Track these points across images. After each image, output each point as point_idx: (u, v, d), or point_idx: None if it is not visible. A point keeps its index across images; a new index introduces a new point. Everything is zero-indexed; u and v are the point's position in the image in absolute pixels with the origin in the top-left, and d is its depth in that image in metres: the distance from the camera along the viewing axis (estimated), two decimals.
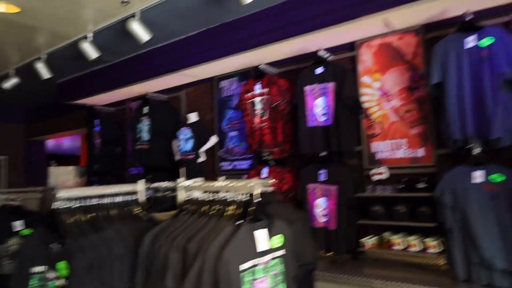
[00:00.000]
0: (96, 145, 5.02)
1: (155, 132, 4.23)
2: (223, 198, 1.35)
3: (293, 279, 1.43)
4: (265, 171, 3.33)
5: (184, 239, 1.21)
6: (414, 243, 2.55)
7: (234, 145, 3.93)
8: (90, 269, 1.20)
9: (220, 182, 1.38)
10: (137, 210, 1.54)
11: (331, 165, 2.97)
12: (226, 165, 3.99)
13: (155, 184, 1.93)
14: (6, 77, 4.56)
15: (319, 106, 3.00)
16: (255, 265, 1.23)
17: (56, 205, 1.33)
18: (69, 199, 1.37)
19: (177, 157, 4.10)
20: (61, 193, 1.35)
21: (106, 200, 1.48)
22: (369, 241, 2.79)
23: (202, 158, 3.96)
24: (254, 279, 1.23)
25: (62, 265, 1.24)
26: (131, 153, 4.66)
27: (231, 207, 1.31)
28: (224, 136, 4.02)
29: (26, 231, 2.86)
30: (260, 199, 1.30)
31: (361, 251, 2.83)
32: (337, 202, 2.87)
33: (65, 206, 1.35)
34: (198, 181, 1.47)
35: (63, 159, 9.70)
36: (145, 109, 4.37)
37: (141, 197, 1.63)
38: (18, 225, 2.80)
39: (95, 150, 5.02)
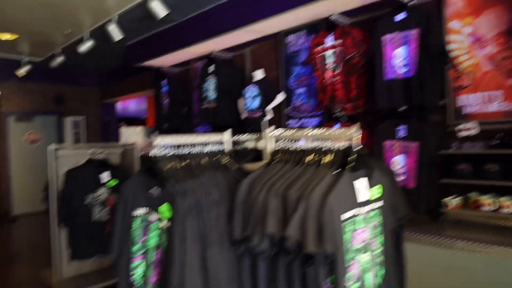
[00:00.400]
0: (164, 106, 5.20)
1: (221, 90, 4.25)
2: (318, 147, 1.29)
3: (391, 232, 1.36)
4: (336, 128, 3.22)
5: (283, 186, 1.19)
6: (508, 204, 2.34)
7: (302, 102, 3.83)
8: (190, 213, 1.23)
9: (315, 131, 1.31)
10: (225, 160, 1.54)
11: (411, 120, 2.77)
12: (293, 123, 3.92)
13: (236, 137, 1.92)
14: (81, 41, 4.80)
15: (399, 57, 2.76)
16: (355, 215, 1.19)
17: (154, 152, 1.37)
18: (164, 147, 1.40)
19: (244, 115, 4.11)
20: (158, 141, 1.38)
21: (196, 149, 1.50)
22: (452, 201, 2.61)
23: (269, 116, 3.92)
24: (355, 230, 1.18)
25: (164, 208, 1.28)
26: (198, 112, 4.77)
27: (328, 156, 1.25)
28: (291, 93, 3.92)
29: (112, 182, 3.08)
30: (361, 146, 1.22)
31: (441, 212, 2.67)
32: (417, 159, 2.70)
33: (161, 154, 1.38)
34: (289, 131, 1.42)
35: (130, 121, 10.32)
36: (211, 68, 4.39)
37: (228, 147, 1.63)
38: (105, 176, 3.02)
39: (163, 110, 5.21)
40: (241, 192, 1.26)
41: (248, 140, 1.93)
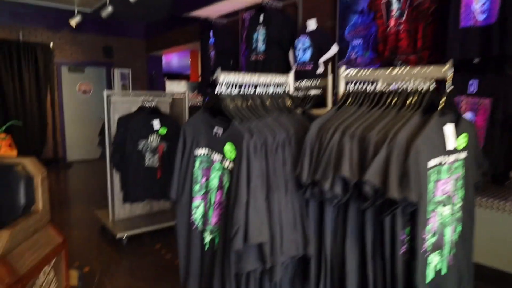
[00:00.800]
0: (211, 58, 5.11)
1: (271, 41, 4.07)
2: (400, 88, 1.15)
3: (472, 187, 1.23)
4: None
5: (359, 128, 1.08)
6: None
7: (357, 55, 3.58)
8: (256, 153, 1.17)
9: (396, 70, 1.17)
10: (289, 102, 1.45)
11: (486, 74, 2.49)
12: None
13: (297, 83, 1.81)
14: None
15: (479, 1, 2.44)
16: (441, 164, 1.06)
17: (218, 90, 1.30)
18: (227, 85, 1.32)
19: (294, 68, 3.93)
20: (221, 77, 1.30)
21: (259, 90, 1.41)
22: None
23: (320, 69, 3.73)
24: (438, 180, 1.07)
25: (228, 148, 1.23)
26: (245, 65, 4.64)
27: (413, 97, 1.11)
28: (346, 44, 3.67)
29: (162, 130, 3.11)
30: (452, 87, 1.07)
31: (509, 176, 2.46)
32: (489, 118, 2.45)
33: (225, 92, 1.31)
34: (365, 71, 1.29)
35: (173, 77, 10.41)
36: (261, 18, 4.19)
37: (291, 89, 1.53)
38: (156, 123, 3.04)
39: (210, 62, 5.13)
40: (310, 134, 1.17)
41: (310, 85, 1.81)
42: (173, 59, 10.54)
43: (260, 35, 4.18)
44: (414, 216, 1.03)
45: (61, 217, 4.01)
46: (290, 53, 3.97)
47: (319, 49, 3.69)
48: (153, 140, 3.08)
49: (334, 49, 3.69)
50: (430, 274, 1.11)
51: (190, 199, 1.40)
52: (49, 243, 1.83)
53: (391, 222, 1.03)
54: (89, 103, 7.47)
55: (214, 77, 5.03)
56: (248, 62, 4.40)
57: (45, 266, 1.75)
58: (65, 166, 6.98)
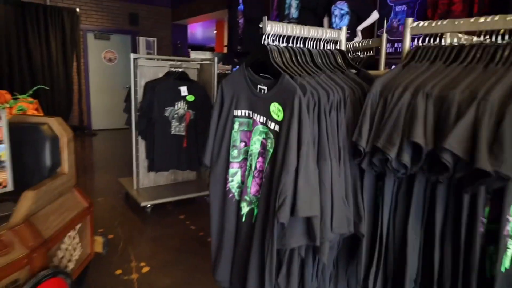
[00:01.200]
0: (239, 25, 4.90)
1: (305, 7, 3.82)
2: (483, 41, 0.96)
3: None
4: None
5: (437, 87, 0.90)
6: None
7: (400, 23, 3.30)
8: (309, 113, 1.01)
9: (483, 18, 0.97)
10: (341, 61, 1.27)
11: None
12: (387, 47, 3.44)
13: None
14: None
15: None
16: None
17: (264, 41, 1.14)
18: (275, 35, 1.15)
19: None
20: (269, 27, 1.13)
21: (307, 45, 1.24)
22: None
23: (358, 38, 3.47)
24: None
25: (275, 107, 1.07)
26: None
27: (503, 51, 0.92)
28: (388, 11, 3.39)
29: (190, 97, 2.98)
30: None
31: None
32: None
33: (274, 44, 1.14)
34: (436, 22, 1.09)
35: (197, 48, 10.24)
36: None
37: (343, 46, 1.35)
38: (183, 90, 2.91)
39: (239, 30, 4.92)
40: (372, 94, 1.00)
41: (359, 46, 1.62)
42: (197, 30, 10.32)
43: (293, 0, 3.93)
44: (498, 193, 0.86)
45: (86, 184, 4.01)
46: (325, 21, 3.71)
47: (357, 16, 3.43)
48: (180, 107, 2.95)
49: (374, 16, 3.41)
50: (506, 263, 0.94)
51: (227, 165, 1.26)
52: (75, 207, 1.76)
53: (471, 199, 0.87)
54: (115, 72, 7.43)
55: (239, 49, 4.81)
56: None
57: (70, 230, 1.69)
58: (90, 134, 7.03)
